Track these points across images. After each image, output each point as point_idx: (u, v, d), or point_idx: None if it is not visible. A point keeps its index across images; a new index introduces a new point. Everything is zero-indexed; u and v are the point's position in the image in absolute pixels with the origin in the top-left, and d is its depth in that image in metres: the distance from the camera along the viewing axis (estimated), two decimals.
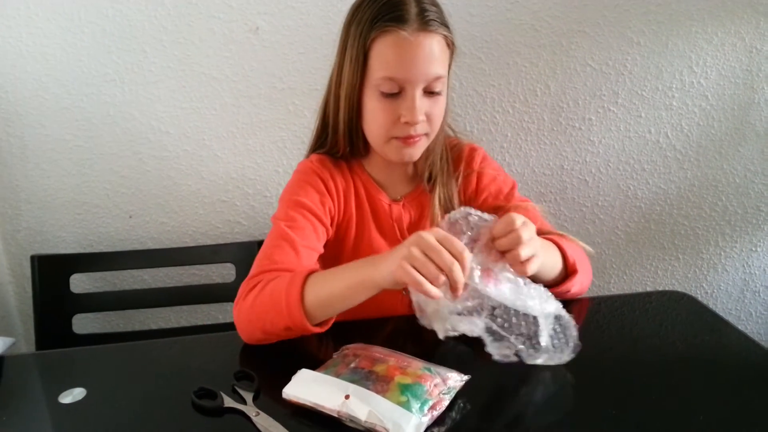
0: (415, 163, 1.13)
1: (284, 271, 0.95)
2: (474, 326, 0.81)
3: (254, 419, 0.76)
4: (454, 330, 0.83)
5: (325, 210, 1.09)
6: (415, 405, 0.73)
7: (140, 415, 0.81)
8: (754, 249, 1.81)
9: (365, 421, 0.72)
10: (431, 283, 0.76)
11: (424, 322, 0.84)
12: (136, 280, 1.62)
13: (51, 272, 1.42)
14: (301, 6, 1.42)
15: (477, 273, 0.80)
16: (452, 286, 0.77)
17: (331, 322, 0.94)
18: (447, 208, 1.12)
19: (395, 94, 0.98)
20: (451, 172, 1.14)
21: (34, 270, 1.40)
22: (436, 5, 1.00)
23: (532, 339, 0.83)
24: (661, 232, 1.77)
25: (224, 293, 1.49)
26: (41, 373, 0.94)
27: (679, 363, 0.91)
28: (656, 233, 1.77)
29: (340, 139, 1.09)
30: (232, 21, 1.42)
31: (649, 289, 1.83)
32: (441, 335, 0.82)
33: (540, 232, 1.06)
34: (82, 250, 1.58)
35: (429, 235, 0.78)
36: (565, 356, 0.84)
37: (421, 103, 0.98)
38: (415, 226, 1.16)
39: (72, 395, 0.84)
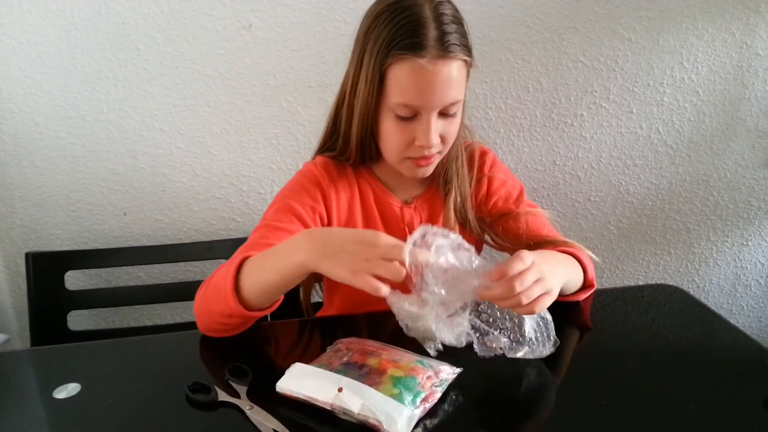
0: None
1: None
2: (461, 328, 0.80)
3: (248, 413, 0.77)
4: (442, 343, 0.81)
5: (314, 217, 1.07)
6: (408, 397, 0.73)
7: (135, 409, 0.81)
8: (745, 243, 1.83)
9: (358, 414, 0.72)
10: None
11: (411, 334, 0.84)
12: (131, 277, 1.62)
13: (46, 269, 1.42)
14: (294, 3, 1.43)
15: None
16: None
17: (273, 306, 0.94)
18: (461, 212, 1.12)
19: (410, 117, 0.97)
20: (465, 174, 1.13)
21: (29, 267, 1.40)
22: (458, 22, 0.96)
23: (516, 332, 0.84)
24: (652, 226, 1.79)
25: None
26: (36, 369, 0.94)
27: (670, 356, 0.92)
28: (648, 228, 1.79)
29: (351, 149, 1.07)
30: (225, 18, 1.42)
31: (641, 283, 1.85)
32: (432, 352, 0.81)
33: (547, 240, 1.09)
34: (76, 248, 1.58)
35: (383, 239, 0.78)
36: (545, 350, 0.86)
37: (436, 126, 0.97)
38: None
39: (66, 390, 0.84)
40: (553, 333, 0.87)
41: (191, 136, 1.52)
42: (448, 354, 0.85)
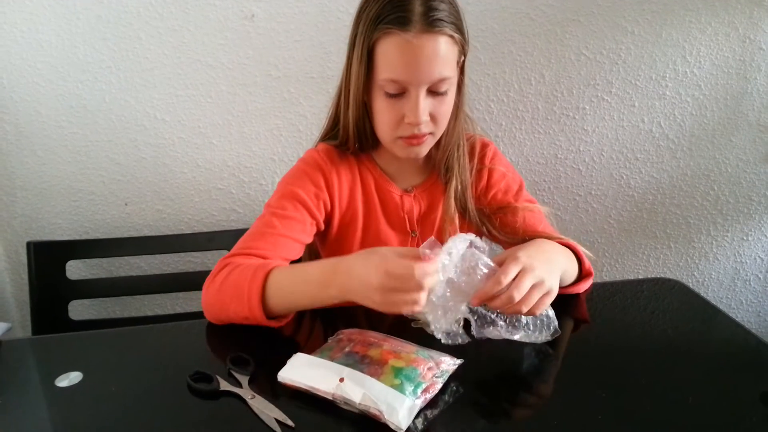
0: (428, 154, 1.11)
1: (257, 257, 0.99)
2: (459, 314, 0.83)
3: (250, 402, 0.77)
4: (449, 333, 0.84)
5: (318, 204, 1.09)
6: (409, 388, 0.74)
7: (136, 398, 0.82)
8: (745, 238, 1.83)
9: (359, 404, 0.73)
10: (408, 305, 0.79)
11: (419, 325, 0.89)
12: (132, 267, 1.63)
13: (47, 259, 1.42)
14: None
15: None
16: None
17: (290, 317, 0.96)
18: (462, 201, 1.13)
19: (400, 94, 0.97)
20: (466, 164, 1.13)
21: (30, 256, 1.40)
22: (448, 1, 0.96)
23: (512, 318, 0.87)
24: (653, 221, 1.79)
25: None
26: (38, 357, 0.95)
27: (670, 349, 0.92)
28: (648, 222, 1.79)
29: (350, 136, 1.08)
30: (227, 8, 1.42)
31: (641, 277, 1.85)
32: (443, 339, 0.84)
33: (542, 237, 1.07)
34: (78, 237, 1.58)
35: (396, 266, 0.78)
36: (542, 337, 0.88)
37: (425, 104, 0.97)
38: (426, 216, 1.16)
39: (68, 379, 0.84)
40: (554, 323, 0.88)
41: (193, 126, 1.52)
42: (449, 346, 0.85)
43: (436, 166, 1.13)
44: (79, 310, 1.55)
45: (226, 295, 0.94)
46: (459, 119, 1.08)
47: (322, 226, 1.12)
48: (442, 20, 0.92)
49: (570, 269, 1.01)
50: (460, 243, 0.82)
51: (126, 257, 1.61)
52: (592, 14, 1.52)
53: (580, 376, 0.86)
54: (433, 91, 0.97)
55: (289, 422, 0.73)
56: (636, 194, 1.74)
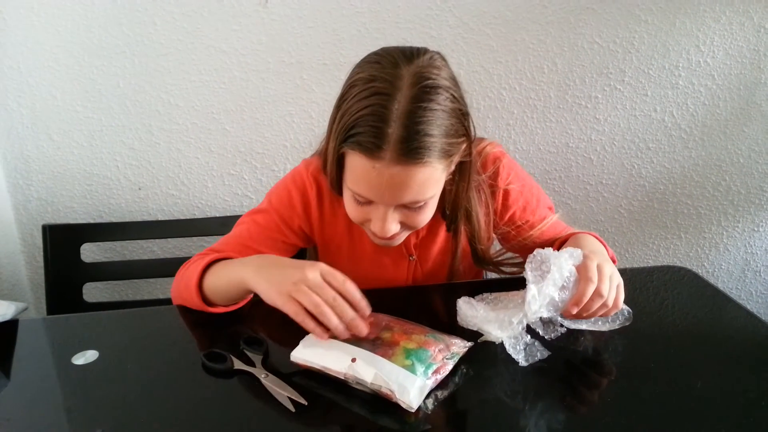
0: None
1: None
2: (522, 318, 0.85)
3: (263, 380, 0.78)
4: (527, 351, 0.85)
5: (293, 226, 1.06)
6: (420, 368, 0.75)
7: (152, 376, 0.83)
8: (756, 229, 1.83)
9: (371, 383, 0.74)
10: (322, 319, 0.79)
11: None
12: (145, 251, 1.64)
13: (62, 241, 1.44)
14: None
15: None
16: (348, 326, 0.80)
17: (240, 303, 0.98)
18: (474, 251, 1.08)
19: (368, 202, 0.89)
20: (481, 204, 1.03)
21: (46, 239, 1.42)
22: (441, 111, 0.82)
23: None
24: (664, 210, 1.79)
25: None
26: (54, 336, 0.96)
27: (680, 337, 0.92)
28: (659, 212, 1.79)
29: (328, 177, 0.96)
30: None
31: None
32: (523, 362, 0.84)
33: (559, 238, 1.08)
34: (92, 221, 1.60)
35: (313, 272, 0.80)
36: (606, 326, 0.91)
37: (394, 216, 0.88)
38: (426, 242, 1.10)
39: (85, 357, 0.86)
40: (627, 309, 0.92)
41: (206, 112, 1.53)
42: (460, 329, 0.86)
43: (439, 214, 1.03)
44: (93, 292, 1.57)
45: (179, 287, 1.00)
46: (461, 193, 0.98)
47: (302, 245, 1.11)
48: (424, 149, 0.80)
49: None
50: (565, 263, 0.85)
51: (139, 241, 1.63)
52: (606, 2, 1.51)
53: (589, 361, 0.87)
54: (407, 206, 0.88)
55: (302, 401, 0.74)
56: (647, 184, 1.74)
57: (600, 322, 0.91)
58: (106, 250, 1.61)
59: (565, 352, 0.88)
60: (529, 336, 0.85)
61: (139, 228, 1.53)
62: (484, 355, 0.84)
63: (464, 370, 0.81)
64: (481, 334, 0.88)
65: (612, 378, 0.81)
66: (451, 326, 0.88)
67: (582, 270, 0.85)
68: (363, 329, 0.79)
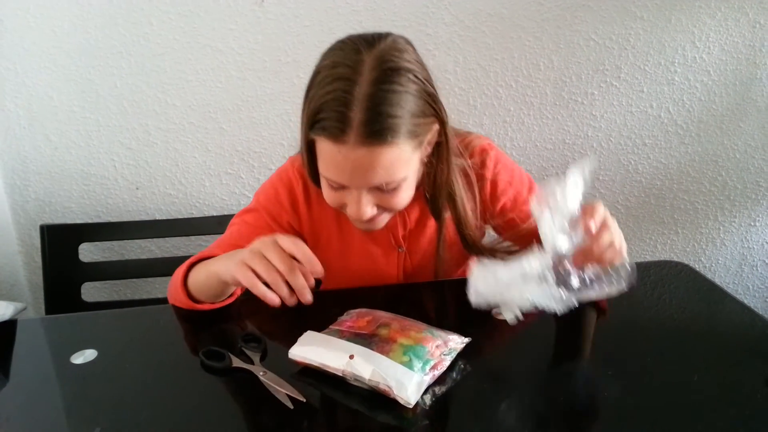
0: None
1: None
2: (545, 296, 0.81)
3: (261, 378, 0.79)
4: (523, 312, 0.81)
5: (281, 222, 1.07)
6: (417, 364, 0.75)
7: (151, 374, 0.84)
8: (752, 224, 1.83)
9: (369, 380, 0.74)
10: (271, 285, 0.77)
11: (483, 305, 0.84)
12: (143, 250, 1.65)
13: (60, 241, 1.44)
14: None
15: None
16: (296, 291, 0.77)
17: (225, 302, 0.98)
18: (463, 237, 1.05)
19: (342, 187, 0.89)
20: (466, 190, 1.02)
21: (44, 239, 1.42)
22: (405, 94, 0.82)
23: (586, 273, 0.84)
24: (661, 206, 1.79)
25: None
26: (53, 336, 0.97)
27: (677, 331, 0.92)
28: (656, 208, 1.79)
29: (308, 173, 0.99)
30: None
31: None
32: (511, 320, 0.81)
33: None
34: (90, 221, 1.60)
35: (269, 239, 0.79)
36: (613, 287, 0.85)
37: (368, 199, 0.89)
38: (416, 233, 1.10)
39: (84, 356, 0.86)
40: (627, 262, 0.88)
41: (203, 111, 1.53)
42: (456, 325, 0.86)
43: (426, 203, 1.05)
44: (91, 292, 1.57)
45: (171, 288, 1.00)
46: (441, 176, 0.98)
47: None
48: (387, 130, 0.81)
49: None
50: (571, 192, 0.81)
51: (137, 240, 1.63)
52: None
53: (587, 357, 0.87)
54: (380, 188, 0.88)
55: (301, 398, 0.75)
56: (644, 180, 1.75)
57: (606, 285, 0.84)
58: (104, 250, 1.61)
59: (560, 347, 0.88)
60: (556, 286, 0.80)
61: (136, 228, 1.54)
62: (481, 351, 0.85)
63: (461, 366, 0.81)
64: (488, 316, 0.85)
65: (609, 373, 0.81)
66: (448, 323, 0.88)
67: (588, 208, 0.83)
68: (308, 297, 0.77)
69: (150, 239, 1.63)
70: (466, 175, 1.03)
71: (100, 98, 1.48)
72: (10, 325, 0.96)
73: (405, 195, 0.92)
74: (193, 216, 1.63)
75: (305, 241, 1.10)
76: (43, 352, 0.91)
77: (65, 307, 1.46)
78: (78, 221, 1.60)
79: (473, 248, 1.08)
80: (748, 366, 0.84)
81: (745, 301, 1.01)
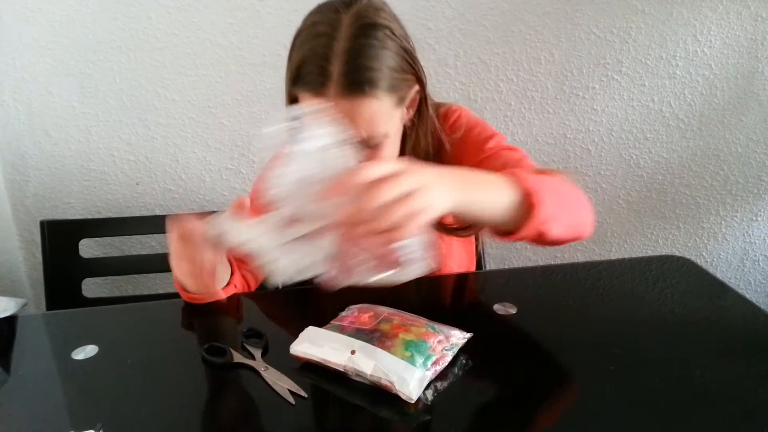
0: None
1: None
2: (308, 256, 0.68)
3: (263, 374, 0.78)
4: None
5: None
6: (419, 360, 0.75)
7: (152, 370, 0.83)
8: (754, 218, 1.83)
9: (370, 375, 0.74)
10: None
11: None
12: (143, 246, 1.64)
13: (60, 237, 1.44)
14: None
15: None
16: None
17: (215, 296, 0.98)
18: None
19: None
20: (441, 160, 1.03)
21: (44, 235, 1.42)
22: (383, 49, 0.85)
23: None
24: (662, 201, 1.79)
25: None
26: (54, 332, 0.96)
27: (678, 326, 0.92)
28: (658, 202, 1.79)
29: None
30: None
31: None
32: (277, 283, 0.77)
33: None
34: (90, 217, 1.60)
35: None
36: (402, 276, 0.70)
37: None
38: None
39: (85, 352, 0.86)
40: (416, 253, 0.68)
41: (203, 106, 1.53)
42: (458, 320, 0.86)
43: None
44: (92, 288, 1.57)
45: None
46: (420, 144, 1.00)
47: None
48: (366, 81, 0.83)
49: (496, 197, 0.76)
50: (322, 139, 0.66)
51: (138, 236, 1.63)
52: None
53: (589, 352, 0.86)
54: (363, 145, 0.89)
55: (302, 393, 0.74)
56: (645, 174, 1.74)
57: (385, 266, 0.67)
58: (104, 246, 1.61)
59: (564, 342, 0.88)
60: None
61: (137, 223, 1.53)
62: (483, 346, 0.84)
63: (463, 361, 0.81)
64: None
65: (611, 368, 0.81)
66: (449, 318, 0.88)
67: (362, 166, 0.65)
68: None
69: (150, 235, 1.63)
70: (441, 144, 1.03)
71: (100, 93, 1.48)
72: (11, 320, 0.95)
73: (386, 153, 0.93)
74: (194, 211, 1.62)
75: None
76: (44, 347, 0.90)
77: (66, 303, 1.45)
78: (78, 217, 1.59)
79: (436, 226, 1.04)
80: (751, 361, 0.83)
81: (747, 296, 1.00)
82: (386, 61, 0.85)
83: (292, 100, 0.91)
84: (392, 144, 0.94)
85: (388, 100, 0.87)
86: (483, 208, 0.75)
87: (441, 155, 1.04)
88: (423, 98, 0.96)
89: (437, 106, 1.09)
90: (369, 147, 0.90)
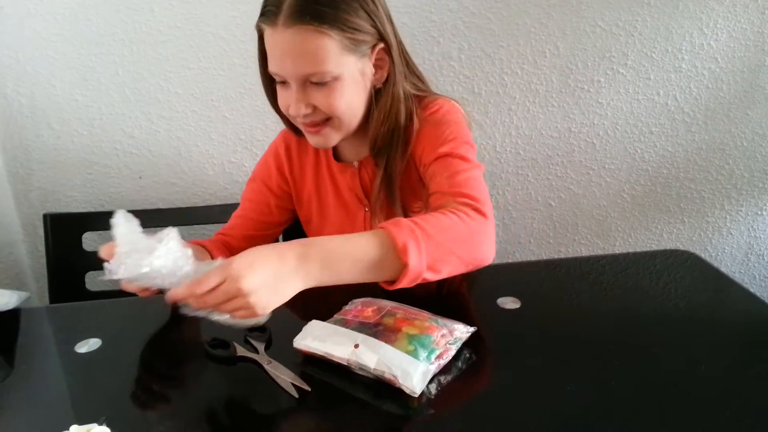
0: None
1: (223, 235, 1.16)
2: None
3: (266, 367, 0.78)
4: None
5: (272, 187, 1.17)
6: (423, 354, 0.75)
7: (155, 363, 0.84)
8: (759, 213, 1.82)
9: (374, 369, 0.74)
10: None
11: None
12: None
13: (63, 230, 1.43)
14: None
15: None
16: None
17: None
18: (389, 184, 1.05)
19: (285, 82, 0.95)
20: (399, 150, 1.04)
21: (47, 228, 1.41)
22: None
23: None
24: (667, 195, 1.78)
25: None
26: (57, 325, 0.97)
27: (683, 320, 0.92)
28: (662, 196, 1.78)
29: (281, 118, 1.10)
30: None
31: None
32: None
33: (444, 187, 0.94)
34: (93, 210, 1.60)
35: None
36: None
37: (302, 95, 0.93)
38: (373, 190, 1.09)
39: (88, 345, 0.86)
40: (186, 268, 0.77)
41: (206, 99, 1.52)
42: (462, 314, 0.86)
43: (370, 150, 1.06)
44: (95, 281, 1.57)
45: None
46: (387, 106, 1.00)
47: (285, 204, 1.20)
48: (311, 12, 0.87)
49: (365, 265, 0.76)
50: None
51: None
52: None
53: (593, 345, 0.86)
54: (314, 82, 0.93)
55: (306, 387, 0.74)
56: (650, 168, 1.73)
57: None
58: (107, 239, 1.59)
59: (568, 336, 0.88)
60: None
61: (140, 216, 1.50)
62: (487, 340, 0.84)
63: (467, 354, 0.81)
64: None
65: (615, 363, 0.81)
66: (453, 312, 0.87)
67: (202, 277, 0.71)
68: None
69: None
70: (411, 116, 1.04)
71: (102, 86, 1.47)
72: (15, 314, 0.95)
73: (340, 99, 0.95)
74: (197, 205, 1.62)
75: (294, 199, 1.20)
76: (48, 341, 0.91)
77: (69, 296, 1.45)
78: (81, 210, 1.59)
79: (392, 200, 1.07)
80: (755, 355, 0.83)
81: (752, 291, 1.00)
82: (342, 6, 0.90)
83: (260, 33, 0.96)
84: (347, 93, 0.96)
85: (338, 41, 0.90)
86: (349, 278, 0.76)
87: (408, 131, 1.04)
88: (391, 62, 0.98)
89: (433, 97, 1.08)
90: (319, 85, 0.93)
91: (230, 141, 1.57)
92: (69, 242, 1.45)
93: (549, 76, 1.59)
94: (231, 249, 1.12)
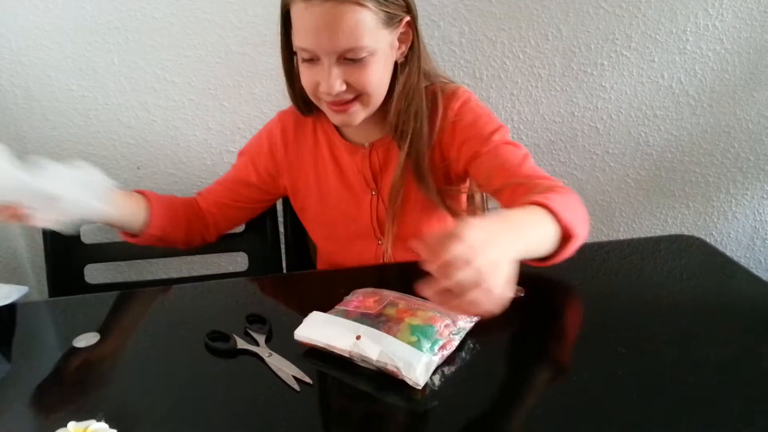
0: (387, 110, 1.04)
1: (199, 197, 1.23)
2: None
3: (267, 360, 0.77)
4: None
5: (259, 165, 1.18)
6: (426, 345, 0.73)
7: (154, 356, 0.82)
8: (765, 196, 1.80)
9: (377, 361, 0.72)
10: None
11: None
12: None
13: None
14: None
15: None
16: None
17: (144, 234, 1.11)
18: (417, 165, 1.06)
19: (314, 60, 0.94)
20: (424, 128, 1.05)
21: None
22: None
23: None
24: (671, 179, 1.76)
25: (235, 243, 1.50)
26: (55, 319, 0.96)
27: (689, 306, 0.91)
28: (667, 181, 1.76)
29: (294, 96, 1.10)
30: None
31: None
32: None
33: (515, 180, 0.96)
34: None
35: None
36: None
37: (337, 71, 0.93)
38: (383, 173, 1.12)
39: (86, 339, 0.85)
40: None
41: (203, 88, 1.50)
42: None
43: (390, 127, 1.06)
44: (94, 274, 1.55)
45: None
46: (411, 81, 1.02)
47: (266, 188, 1.21)
48: None
49: (540, 239, 0.79)
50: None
51: None
52: None
53: (599, 333, 0.85)
54: (349, 59, 0.92)
55: (307, 379, 0.73)
56: (654, 152, 1.71)
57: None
58: (106, 231, 1.59)
59: (572, 324, 0.86)
60: None
61: None
62: (490, 330, 0.83)
63: (471, 345, 0.80)
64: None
65: (622, 350, 0.80)
66: None
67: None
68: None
69: None
70: (433, 99, 1.06)
71: (98, 76, 1.45)
72: (13, 308, 0.94)
73: (374, 74, 0.95)
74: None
75: (283, 185, 1.20)
76: (46, 335, 0.90)
77: (69, 290, 1.44)
78: None
79: (423, 180, 1.07)
80: (762, 339, 0.82)
81: (758, 275, 0.98)
82: None
83: (285, 9, 0.95)
84: (380, 68, 0.96)
85: (374, 14, 0.90)
86: (535, 250, 0.77)
87: (433, 117, 1.05)
88: (415, 35, 0.99)
89: (445, 83, 1.10)
90: (353, 61, 0.92)
91: (228, 130, 1.56)
92: (67, 235, 1.43)
93: (552, 59, 1.56)
94: (196, 211, 1.21)
